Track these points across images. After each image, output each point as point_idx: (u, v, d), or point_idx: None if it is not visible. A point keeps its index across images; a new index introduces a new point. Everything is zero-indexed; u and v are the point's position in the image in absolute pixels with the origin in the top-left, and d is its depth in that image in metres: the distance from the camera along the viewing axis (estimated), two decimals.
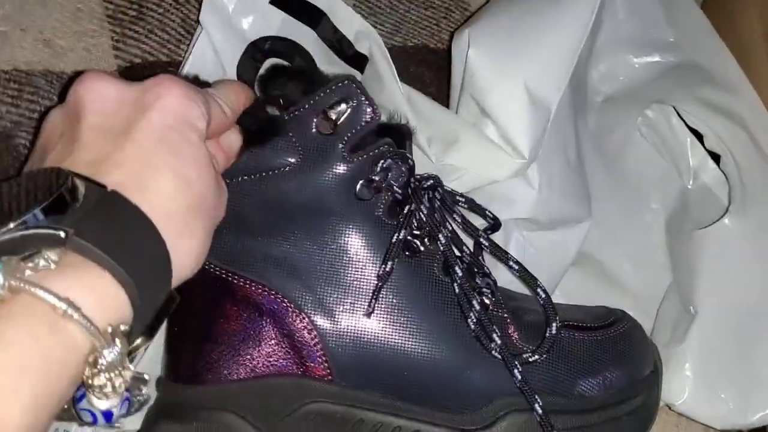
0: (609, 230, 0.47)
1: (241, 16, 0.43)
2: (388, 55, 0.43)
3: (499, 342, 0.35)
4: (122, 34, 0.46)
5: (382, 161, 0.36)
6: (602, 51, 0.45)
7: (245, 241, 0.36)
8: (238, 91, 0.36)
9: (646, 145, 0.48)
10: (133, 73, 0.46)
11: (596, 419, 0.37)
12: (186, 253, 0.30)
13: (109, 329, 0.25)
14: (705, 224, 0.45)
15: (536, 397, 0.35)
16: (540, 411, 0.35)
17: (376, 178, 0.36)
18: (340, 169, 0.36)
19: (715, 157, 0.46)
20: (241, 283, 0.36)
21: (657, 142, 0.48)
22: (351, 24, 0.45)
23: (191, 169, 0.30)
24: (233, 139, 0.36)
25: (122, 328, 0.25)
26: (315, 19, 0.45)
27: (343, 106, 0.35)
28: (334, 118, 0.35)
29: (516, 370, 0.35)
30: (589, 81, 0.46)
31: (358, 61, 0.46)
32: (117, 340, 0.25)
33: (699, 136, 0.47)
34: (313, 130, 0.35)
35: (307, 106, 0.35)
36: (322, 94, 0.35)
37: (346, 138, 0.35)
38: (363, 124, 0.35)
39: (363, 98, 0.35)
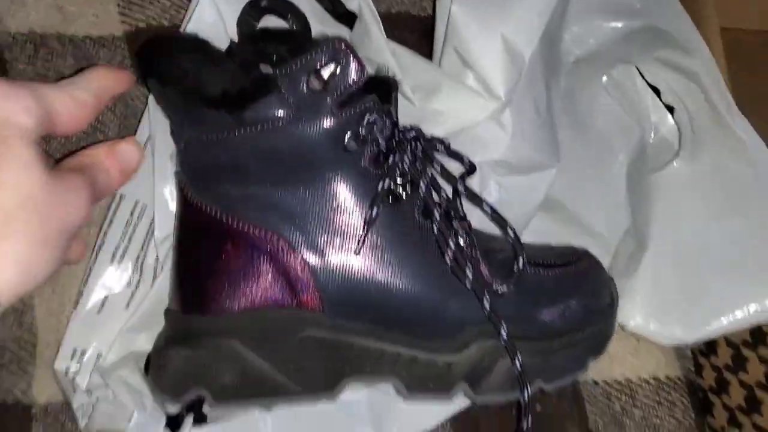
0: (577, 180, 0.51)
1: None
2: (376, 12, 0.45)
3: (471, 276, 0.40)
4: (128, 1, 0.49)
5: (368, 116, 0.38)
6: (574, 15, 0.49)
7: (243, 187, 0.39)
8: (102, 75, 0.36)
9: (611, 102, 0.52)
10: (138, 37, 0.49)
11: (556, 345, 0.42)
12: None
13: None
14: (661, 169, 0.49)
15: (503, 323, 0.40)
16: (505, 336, 0.40)
17: (363, 132, 0.39)
18: (329, 123, 0.38)
19: (671, 110, 0.50)
20: (240, 225, 0.39)
21: (621, 99, 0.52)
22: None
23: (2, 170, 0.28)
24: (130, 154, 0.37)
25: None
26: None
27: (333, 65, 0.37)
28: (324, 76, 0.37)
29: (485, 300, 0.40)
30: (562, 44, 0.49)
31: (348, 18, 0.48)
32: None
33: (657, 92, 0.51)
34: (305, 87, 0.37)
35: (299, 64, 0.37)
36: (313, 54, 0.37)
37: (335, 95, 0.37)
38: (351, 82, 0.37)
39: (352, 58, 0.37)
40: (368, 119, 0.39)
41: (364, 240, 0.39)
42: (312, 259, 0.40)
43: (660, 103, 0.52)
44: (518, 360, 0.40)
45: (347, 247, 0.40)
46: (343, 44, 0.37)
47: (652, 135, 0.51)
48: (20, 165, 0.29)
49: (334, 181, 0.39)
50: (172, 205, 0.45)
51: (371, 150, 0.40)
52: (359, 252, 0.40)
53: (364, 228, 0.39)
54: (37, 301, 0.47)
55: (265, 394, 0.40)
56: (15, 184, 0.29)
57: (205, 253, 0.41)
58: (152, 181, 0.46)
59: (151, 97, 0.46)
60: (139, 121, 0.48)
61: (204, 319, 0.40)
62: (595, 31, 0.49)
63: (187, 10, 0.49)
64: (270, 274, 0.40)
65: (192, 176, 0.40)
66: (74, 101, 0.33)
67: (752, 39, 0.60)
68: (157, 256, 0.47)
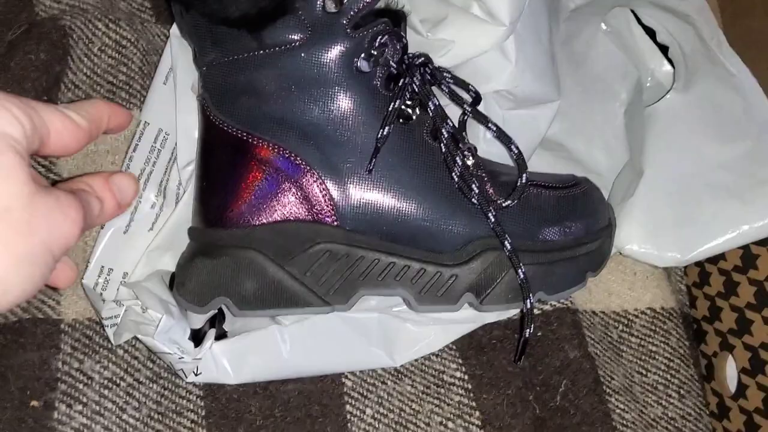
0: (577, 120, 0.54)
1: None
2: None
3: (477, 191, 0.42)
4: None
5: (380, 37, 0.40)
6: None
7: (262, 107, 0.41)
8: (101, 106, 0.37)
9: (608, 44, 0.54)
10: None
11: (556, 257, 0.44)
12: None
13: None
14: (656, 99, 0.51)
15: (507, 236, 0.42)
16: (509, 248, 0.42)
17: (375, 53, 0.40)
18: (343, 44, 0.40)
19: (665, 49, 0.52)
20: (260, 144, 0.42)
21: (618, 44, 0.54)
22: None
23: None
24: (126, 187, 0.38)
25: None
26: None
27: None
28: None
29: (491, 214, 0.42)
30: None
31: None
32: None
33: (653, 34, 0.53)
34: (320, 8, 0.39)
35: None
36: None
37: (349, 16, 0.39)
38: (364, 3, 0.39)
39: None
40: (380, 40, 0.41)
41: (375, 157, 0.42)
42: (328, 176, 0.42)
43: (656, 47, 0.54)
44: (521, 270, 0.42)
45: (360, 164, 0.42)
46: None
47: (649, 79, 0.53)
48: (2, 174, 0.28)
49: (347, 101, 0.41)
50: (194, 133, 0.48)
51: (382, 72, 0.42)
52: (371, 170, 0.42)
53: (376, 146, 0.41)
54: None
55: (283, 303, 0.43)
56: None
57: (227, 171, 0.43)
58: (174, 111, 0.49)
59: (173, 31, 0.48)
60: (160, 57, 0.51)
61: (225, 233, 0.43)
62: None
63: None
64: (289, 191, 0.42)
65: (214, 97, 0.43)
66: (68, 122, 0.33)
67: None
68: (179, 180, 0.49)
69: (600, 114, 0.54)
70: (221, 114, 0.42)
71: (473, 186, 0.42)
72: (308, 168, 0.42)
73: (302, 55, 0.40)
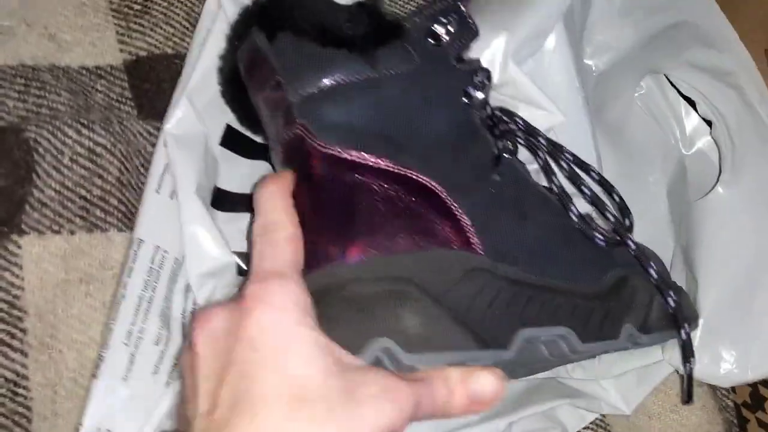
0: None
1: None
2: None
3: (600, 236, 0.41)
4: (127, 27, 0.46)
5: (479, 73, 0.41)
6: (595, 24, 0.48)
7: (381, 130, 0.38)
8: (274, 192, 0.36)
9: (644, 115, 0.51)
10: (138, 67, 0.46)
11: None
12: None
13: None
14: (703, 190, 0.47)
15: (650, 262, 0.41)
16: (655, 276, 0.41)
17: (482, 82, 0.41)
18: (449, 75, 0.39)
19: (709, 124, 0.49)
20: (384, 165, 0.37)
21: (654, 112, 0.51)
22: None
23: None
24: (485, 381, 0.33)
25: None
26: None
27: (452, 20, 0.40)
28: (444, 30, 0.39)
29: (630, 242, 0.41)
30: (583, 57, 0.49)
31: None
32: None
33: (693, 105, 0.50)
34: (427, 38, 0.39)
35: (423, 15, 0.39)
36: (434, 8, 0.39)
37: (454, 47, 0.40)
38: (465, 39, 0.40)
39: (467, 17, 0.40)
40: (479, 78, 0.41)
41: (495, 190, 0.39)
42: (459, 199, 0.38)
43: (695, 114, 0.51)
44: (671, 298, 0.41)
45: (485, 188, 0.39)
46: (460, 3, 0.40)
47: (690, 149, 0.51)
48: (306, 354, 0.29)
49: (459, 133, 0.40)
50: (207, 244, 0.41)
51: (481, 110, 0.41)
52: (495, 193, 0.39)
53: (491, 180, 0.40)
54: (31, 369, 0.41)
55: (449, 346, 0.35)
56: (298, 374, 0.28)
57: (347, 199, 0.37)
58: (176, 222, 0.42)
59: (167, 128, 0.43)
60: (146, 160, 0.45)
61: (361, 267, 0.35)
62: (617, 36, 0.48)
63: (192, 37, 0.46)
64: (425, 215, 0.37)
65: (322, 126, 0.38)
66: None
67: None
68: (184, 308, 0.41)
69: (638, 186, 0.50)
70: (331, 142, 0.37)
71: (595, 234, 0.41)
72: (439, 188, 0.37)
73: (412, 82, 0.39)
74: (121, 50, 0.46)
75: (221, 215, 0.45)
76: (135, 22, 0.46)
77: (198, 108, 0.43)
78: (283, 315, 0.30)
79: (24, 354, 0.42)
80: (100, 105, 0.46)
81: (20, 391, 0.41)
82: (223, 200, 0.46)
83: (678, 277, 0.49)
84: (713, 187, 0.47)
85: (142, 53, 0.46)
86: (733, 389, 0.53)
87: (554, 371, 0.48)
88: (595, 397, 0.48)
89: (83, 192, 0.44)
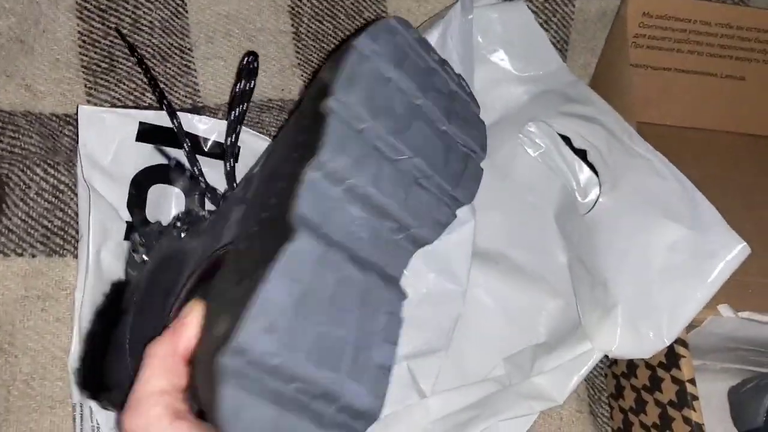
0: (513, 230, 0.57)
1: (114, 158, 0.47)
2: None
3: None
4: (95, 82, 0.51)
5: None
6: (480, 90, 0.56)
7: None
8: None
9: (528, 156, 0.59)
10: None
11: None
12: None
13: None
14: (588, 207, 0.56)
15: None
16: None
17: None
18: None
19: (583, 153, 0.57)
20: None
21: (552, 166, 0.59)
22: None
23: None
24: None
25: None
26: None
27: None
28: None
29: None
30: None
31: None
32: None
33: (568, 141, 0.58)
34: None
35: None
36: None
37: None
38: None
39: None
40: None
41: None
42: None
43: (572, 151, 0.59)
44: None
45: None
46: None
47: (585, 197, 0.58)
48: None
49: None
50: None
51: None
52: None
53: None
54: None
55: None
56: None
57: None
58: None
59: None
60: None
61: None
62: (501, 100, 0.58)
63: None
64: None
65: None
66: None
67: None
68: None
69: (530, 219, 0.58)
70: None
71: None
72: None
73: None
74: (89, 101, 0.50)
75: None
76: (102, 78, 0.51)
77: None
78: None
79: None
80: (66, 148, 0.50)
81: None
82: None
83: (582, 283, 0.56)
84: (597, 200, 0.55)
85: (106, 105, 0.51)
86: (611, 415, 0.61)
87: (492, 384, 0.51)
88: (530, 396, 0.52)
89: (46, 222, 0.49)
